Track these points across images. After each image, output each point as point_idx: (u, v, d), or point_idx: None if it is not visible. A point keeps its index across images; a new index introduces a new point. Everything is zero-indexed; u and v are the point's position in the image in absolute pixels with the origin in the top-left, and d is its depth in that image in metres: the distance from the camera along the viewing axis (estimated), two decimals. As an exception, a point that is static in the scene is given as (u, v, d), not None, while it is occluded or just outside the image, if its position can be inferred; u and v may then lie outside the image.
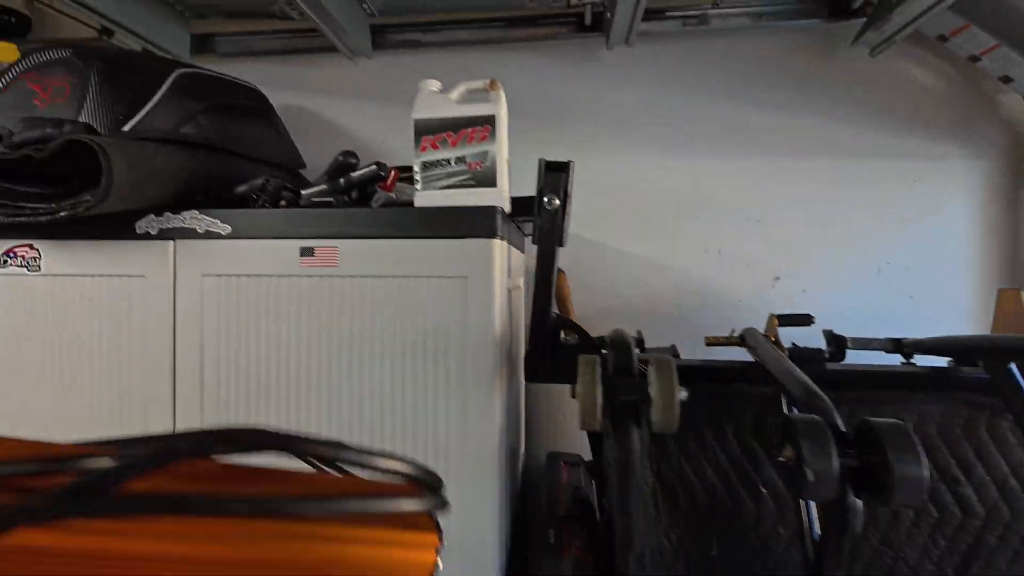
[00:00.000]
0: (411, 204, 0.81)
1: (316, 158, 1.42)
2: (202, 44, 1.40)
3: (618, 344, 0.69)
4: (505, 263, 0.84)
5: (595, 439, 1.08)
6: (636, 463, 0.59)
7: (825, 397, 0.57)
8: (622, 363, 0.64)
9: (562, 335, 0.89)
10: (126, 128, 0.85)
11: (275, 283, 0.80)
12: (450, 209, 0.78)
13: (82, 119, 0.83)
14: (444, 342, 0.77)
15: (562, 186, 0.83)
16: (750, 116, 1.34)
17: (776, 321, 0.92)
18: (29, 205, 0.77)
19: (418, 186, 0.83)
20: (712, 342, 0.94)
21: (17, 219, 0.76)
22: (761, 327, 1.26)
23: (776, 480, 0.83)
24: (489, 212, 0.77)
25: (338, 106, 1.45)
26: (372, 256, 0.78)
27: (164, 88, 0.91)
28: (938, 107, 1.30)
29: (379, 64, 1.42)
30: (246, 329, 0.80)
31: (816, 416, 0.52)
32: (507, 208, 0.86)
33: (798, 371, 0.64)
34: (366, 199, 0.87)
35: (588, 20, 1.26)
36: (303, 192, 0.82)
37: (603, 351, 0.89)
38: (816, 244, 1.33)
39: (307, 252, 0.79)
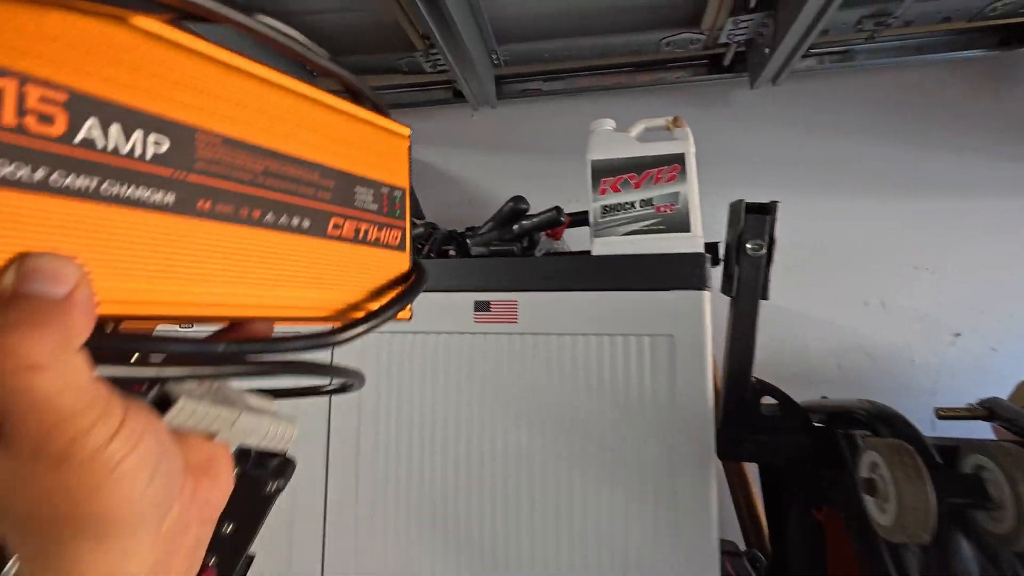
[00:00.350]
0: (581, 253, 0.72)
1: (432, 210, 1.39)
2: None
3: (895, 421, 0.55)
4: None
5: (773, 522, 0.91)
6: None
7: None
8: (920, 450, 0.50)
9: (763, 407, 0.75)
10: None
11: (444, 341, 0.71)
12: (645, 257, 0.69)
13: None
14: (645, 415, 0.65)
15: (767, 230, 0.72)
16: (910, 155, 1.21)
17: (1035, 390, 0.75)
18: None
19: (596, 232, 0.74)
20: (946, 415, 0.77)
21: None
22: (941, 391, 1.07)
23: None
24: (697, 260, 0.66)
25: (455, 157, 1.43)
26: (556, 311, 0.68)
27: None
28: None
29: (498, 114, 1.40)
30: (410, 391, 0.71)
31: None
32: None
33: None
34: (533, 248, 0.79)
35: (728, 60, 1.19)
36: (469, 240, 0.75)
37: (814, 424, 0.75)
38: (1003, 295, 1.15)
39: (482, 307, 0.70)
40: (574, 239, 1.02)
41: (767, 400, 0.77)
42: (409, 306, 0.27)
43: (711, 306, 0.69)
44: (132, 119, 0.17)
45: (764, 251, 0.72)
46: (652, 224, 0.73)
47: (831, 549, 0.78)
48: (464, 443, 0.69)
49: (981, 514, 0.45)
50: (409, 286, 0.27)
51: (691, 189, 0.73)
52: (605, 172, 0.76)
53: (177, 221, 0.19)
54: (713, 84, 1.28)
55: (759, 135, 1.27)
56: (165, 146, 0.18)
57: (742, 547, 1.02)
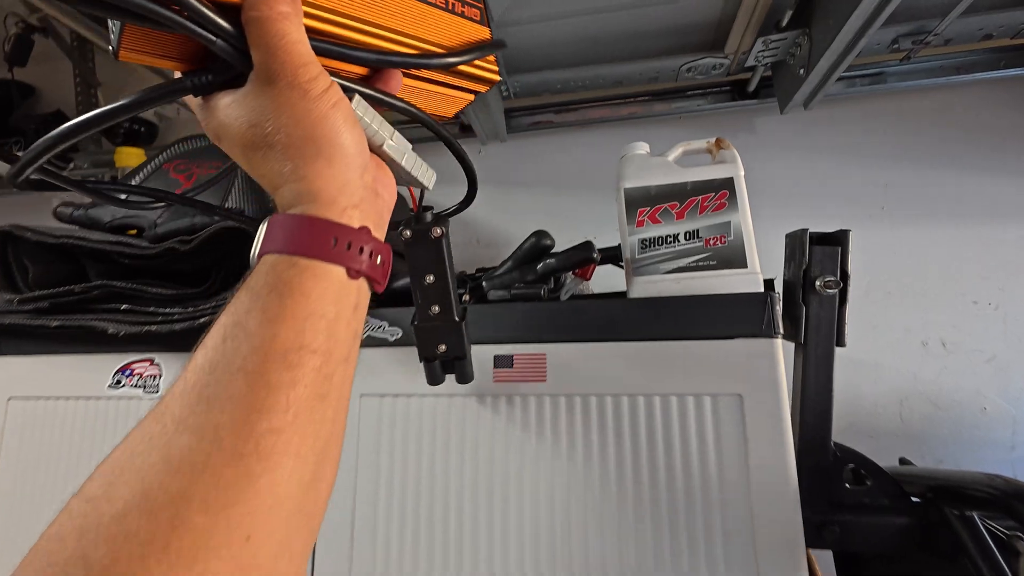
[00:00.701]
0: (617, 295, 0.61)
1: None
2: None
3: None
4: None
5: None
6: None
7: None
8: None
9: (846, 479, 0.62)
10: (275, 215, 0.71)
11: (459, 405, 0.59)
12: (698, 299, 0.57)
13: (229, 205, 0.70)
14: (710, 498, 0.52)
15: (839, 263, 0.61)
16: (957, 181, 1.11)
17: None
18: (161, 310, 0.62)
19: (635, 270, 0.63)
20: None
21: (145, 328, 0.61)
22: (1022, 443, 0.93)
23: None
24: (763, 300, 0.55)
25: (458, 195, 1.34)
26: (593, 366, 0.57)
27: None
28: None
29: (508, 148, 1.32)
30: (417, 470, 0.58)
31: None
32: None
33: None
34: (558, 291, 0.68)
35: (753, 86, 1.11)
36: (485, 283, 0.64)
37: (912, 499, 0.62)
38: (1081, 333, 1.03)
39: (503, 362, 0.59)
40: (600, 280, 0.91)
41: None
42: (494, 66, 0.40)
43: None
44: None
45: (838, 289, 0.60)
46: (701, 260, 0.62)
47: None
48: (484, 536, 0.55)
49: None
50: (489, 42, 0.38)
51: (744, 218, 0.63)
52: (642, 202, 0.65)
53: None
54: (736, 111, 1.20)
55: (788, 164, 1.18)
56: None
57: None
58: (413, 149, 0.35)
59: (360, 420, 0.60)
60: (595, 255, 0.62)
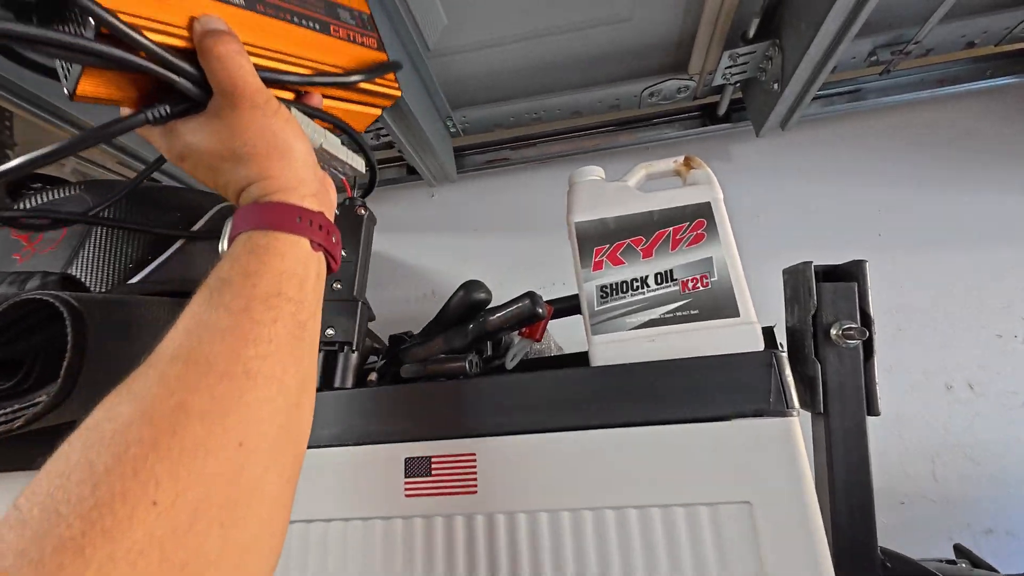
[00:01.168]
0: (577, 357, 0.46)
1: (386, 308, 1.13)
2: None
3: None
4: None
5: None
6: None
7: None
8: None
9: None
10: (136, 278, 0.56)
11: (358, 532, 0.42)
12: (678, 364, 0.42)
13: (72, 271, 0.54)
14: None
15: (858, 304, 0.47)
16: (956, 200, 1.00)
17: None
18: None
19: (594, 327, 0.48)
20: None
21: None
22: None
23: None
24: (765, 362, 0.40)
25: (413, 243, 1.20)
26: (541, 467, 0.40)
27: (204, 221, 0.64)
28: None
29: (461, 190, 1.20)
30: (298, 636, 0.40)
31: None
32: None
33: None
34: (500, 357, 0.52)
35: (723, 109, 1.01)
36: (407, 364, 0.48)
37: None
38: (1124, 362, 0.89)
39: (417, 467, 0.42)
40: (565, 333, 0.76)
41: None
42: (394, 83, 0.47)
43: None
44: None
45: (862, 339, 0.46)
46: (679, 309, 0.47)
47: None
48: None
49: None
50: (384, 63, 0.45)
51: (729, 252, 0.49)
52: (598, 238, 0.51)
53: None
54: (708, 138, 1.10)
55: (769, 192, 1.07)
56: None
57: None
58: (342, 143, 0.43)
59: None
60: (539, 309, 0.47)
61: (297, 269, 0.31)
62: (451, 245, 1.20)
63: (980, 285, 0.95)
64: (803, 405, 0.49)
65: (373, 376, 0.47)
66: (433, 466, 0.42)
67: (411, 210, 1.22)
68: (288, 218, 0.32)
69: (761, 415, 0.38)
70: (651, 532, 0.38)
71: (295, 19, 0.40)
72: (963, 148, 1.03)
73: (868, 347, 0.46)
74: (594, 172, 0.56)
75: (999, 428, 0.88)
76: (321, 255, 0.34)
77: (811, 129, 1.08)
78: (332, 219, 0.37)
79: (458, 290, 0.51)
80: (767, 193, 1.08)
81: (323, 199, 0.36)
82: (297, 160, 0.34)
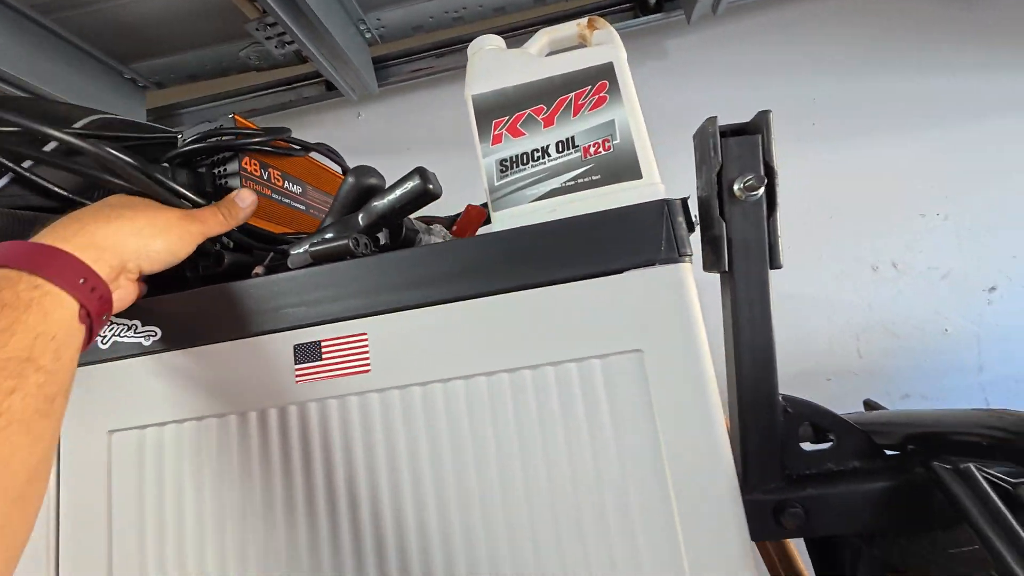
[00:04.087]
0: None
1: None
2: (163, 119, 1.12)
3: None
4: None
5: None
6: None
7: None
8: None
9: (803, 441, 0.47)
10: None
11: (254, 423, 0.40)
12: (574, 223, 0.40)
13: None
14: (610, 506, 0.35)
15: (762, 157, 0.46)
16: (887, 86, 0.99)
17: None
18: None
19: (495, 202, 0.46)
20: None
21: None
22: (988, 363, 0.84)
23: None
24: (656, 211, 0.38)
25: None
26: (437, 340, 0.39)
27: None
28: None
29: (388, 107, 1.12)
30: (197, 524, 0.39)
31: None
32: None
33: None
34: (407, 245, 0.50)
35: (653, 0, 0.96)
36: (293, 252, 0.45)
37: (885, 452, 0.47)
38: (1034, 232, 0.93)
39: (307, 353, 0.40)
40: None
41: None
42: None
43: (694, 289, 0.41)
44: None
45: (762, 190, 0.45)
46: (581, 176, 0.45)
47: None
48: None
49: None
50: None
51: (632, 114, 0.46)
52: (497, 110, 0.48)
53: None
54: (642, 33, 1.04)
55: (706, 87, 1.04)
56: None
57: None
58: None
59: (111, 469, 0.40)
60: (431, 185, 0.44)
61: (58, 334, 0.27)
62: (384, 167, 1.14)
63: (907, 168, 0.97)
64: (711, 267, 0.48)
65: (259, 269, 0.44)
66: (323, 350, 0.40)
67: (338, 131, 1.15)
68: (69, 273, 0.28)
69: (652, 264, 0.37)
70: (545, 390, 0.37)
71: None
72: (896, 30, 1.01)
73: (771, 201, 0.45)
74: (493, 41, 0.52)
75: (919, 302, 0.92)
76: (84, 328, 0.30)
77: (747, 17, 1.03)
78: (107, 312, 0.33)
79: (347, 176, 0.48)
80: (704, 89, 1.05)
81: (120, 284, 0.34)
82: (123, 232, 0.33)
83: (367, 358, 0.39)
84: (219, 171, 0.57)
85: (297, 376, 0.40)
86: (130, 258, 0.34)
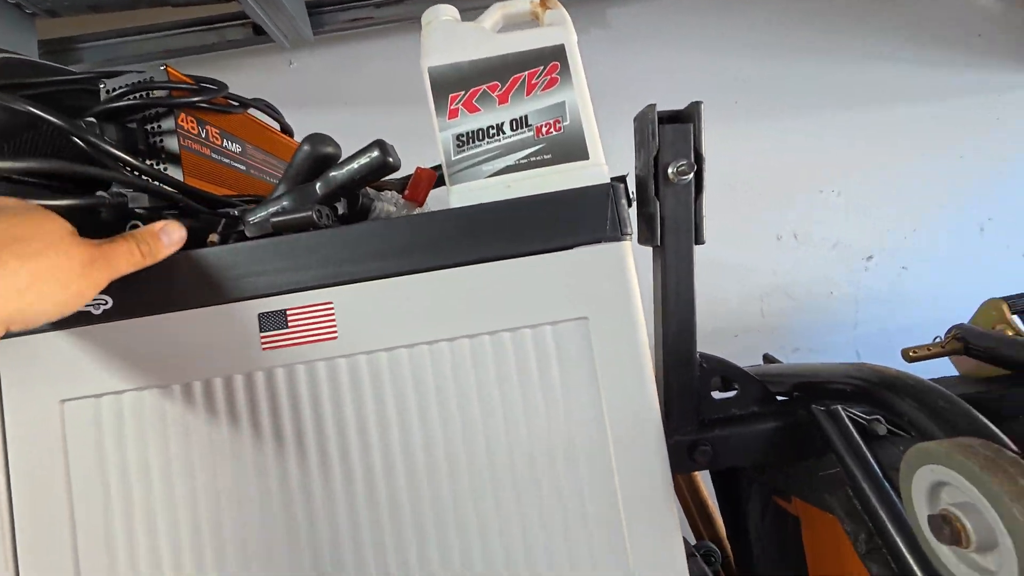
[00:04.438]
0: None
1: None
2: (58, 54, 0.99)
3: (926, 393, 0.37)
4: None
5: (729, 516, 0.74)
6: None
7: None
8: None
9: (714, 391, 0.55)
10: None
11: (219, 390, 0.41)
12: (524, 204, 0.44)
13: None
14: (559, 450, 0.41)
15: (692, 144, 0.51)
16: (807, 69, 1.09)
17: (1007, 307, 0.62)
18: None
19: (452, 176, 0.48)
20: (917, 356, 0.63)
21: None
22: (863, 320, 0.98)
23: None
24: (603, 193, 0.43)
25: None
26: (400, 309, 0.42)
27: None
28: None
29: (323, 57, 1.07)
30: (166, 488, 0.41)
31: None
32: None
33: None
34: (363, 215, 0.51)
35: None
36: (251, 219, 0.44)
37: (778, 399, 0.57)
38: (909, 209, 1.08)
39: (273, 321, 0.41)
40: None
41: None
42: None
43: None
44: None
45: (692, 175, 0.50)
46: (533, 154, 0.48)
47: (810, 546, 0.61)
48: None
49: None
50: None
51: (581, 97, 0.49)
52: (454, 84, 0.49)
53: None
54: (586, 1, 1.06)
55: (646, 60, 1.08)
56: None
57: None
58: None
59: (66, 438, 0.40)
60: (391, 158, 0.46)
61: None
62: (319, 122, 1.09)
63: (814, 147, 1.08)
64: (645, 241, 0.54)
65: (213, 237, 0.44)
66: (289, 318, 0.41)
67: (268, 80, 1.08)
68: None
69: (598, 241, 0.42)
70: (503, 354, 0.41)
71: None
72: (828, 17, 1.10)
73: (699, 184, 0.51)
74: (448, 11, 0.52)
75: (813, 269, 1.06)
76: None
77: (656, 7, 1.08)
78: None
79: (302, 144, 0.47)
80: (644, 61, 1.09)
81: None
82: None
83: (334, 325, 0.41)
84: (152, 128, 0.54)
85: (264, 343, 0.41)
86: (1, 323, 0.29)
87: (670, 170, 0.50)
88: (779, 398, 0.58)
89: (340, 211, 0.48)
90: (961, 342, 0.60)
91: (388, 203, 0.55)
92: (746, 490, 0.69)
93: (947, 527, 0.28)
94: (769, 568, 0.68)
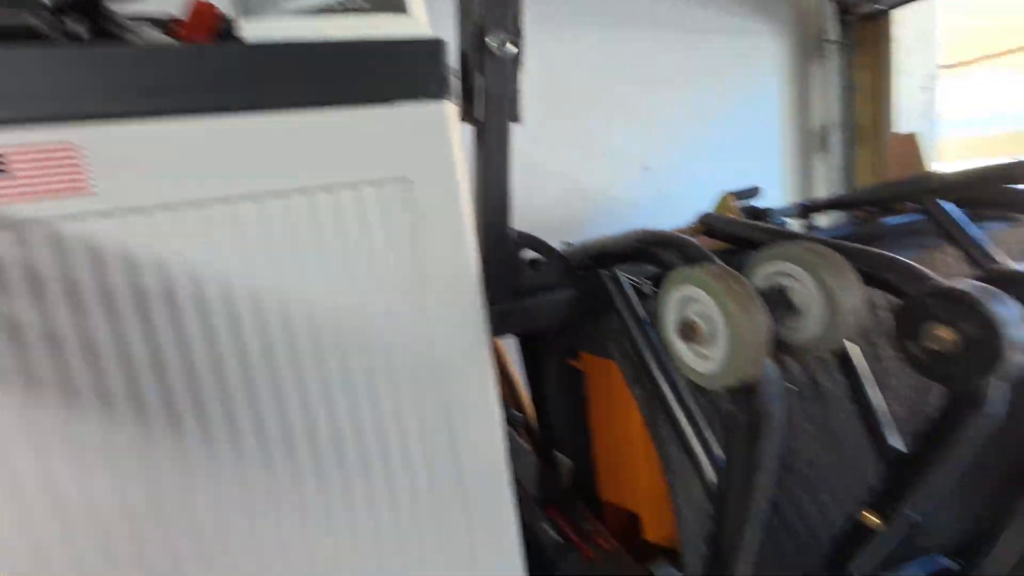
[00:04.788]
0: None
1: None
2: None
3: (686, 247, 0.46)
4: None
5: (533, 380, 0.86)
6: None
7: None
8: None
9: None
10: None
11: None
12: (339, 47, 0.39)
13: None
14: (377, 322, 0.41)
15: (511, 18, 0.50)
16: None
17: (733, 199, 0.80)
18: None
19: (247, 7, 0.40)
20: (675, 238, 0.77)
21: None
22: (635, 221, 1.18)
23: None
24: (429, 49, 0.41)
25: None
26: (180, 159, 0.34)
27: None
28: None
29: None
30: None
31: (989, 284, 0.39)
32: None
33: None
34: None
35: None
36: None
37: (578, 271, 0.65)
38: (676, 124, 1.28)
39: (-15, 165, 0.30)
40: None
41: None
42: None
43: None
44: None
45: (515, 48, 0.50)
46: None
47: (594, 398, 0.75)
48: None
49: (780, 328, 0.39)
50: None
51: (400, -60, 0.44)
52: None
53: None
54: None
55: None
56: None
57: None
58: None
59: None
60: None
61: None
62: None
63: (604, 66, 1.18)
64: (468, 119, 0.54)
65: None
66: (13, 162, 0.31)
67: None
68: None
69: (422, 98, 0.40)
70: (318, 217, 0.38)
71: None
72: None
73: (518, 56, 0.52)
74: None
75: (601, 177, 1.20)
76: None
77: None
78: None
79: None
80: None
81: None
82: None
83: (82, 175, 0.32)
84: None
85: (-28, 194, 0.30)
86: None
87: (491, 43, 0.49)
88: (580, 271, 0.66)
89: (86, 30, 0.36)
90: (706, 226, 0.77)
91: (150, 37, 0.43)
92: (544, 355, 0.79)
93: (686, 327, 0.37)
94: (560, 419, 0.81)
